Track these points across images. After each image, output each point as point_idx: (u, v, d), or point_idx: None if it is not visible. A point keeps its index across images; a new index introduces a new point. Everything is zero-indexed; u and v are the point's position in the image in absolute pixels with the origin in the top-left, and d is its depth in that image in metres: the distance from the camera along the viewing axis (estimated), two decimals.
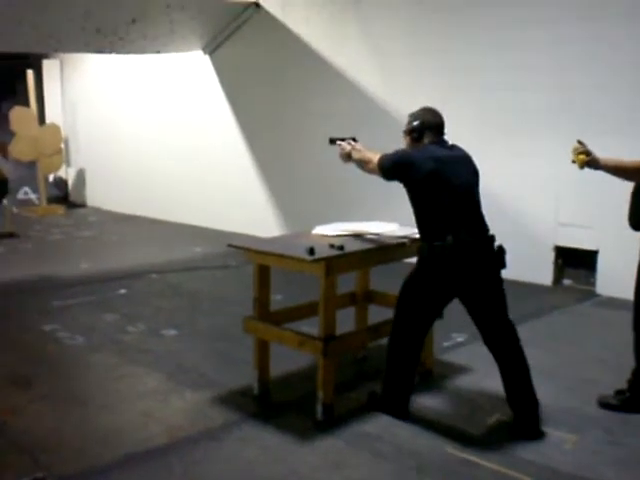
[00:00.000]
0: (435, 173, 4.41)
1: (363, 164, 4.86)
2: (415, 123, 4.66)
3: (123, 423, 4.79)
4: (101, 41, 10.85)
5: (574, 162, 4.57)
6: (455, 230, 4.41)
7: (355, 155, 4.91)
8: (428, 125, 4.63)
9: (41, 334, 6.70)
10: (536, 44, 8.16)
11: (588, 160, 4.53)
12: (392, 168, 4.61)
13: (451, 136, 9.18)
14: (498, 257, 4.55)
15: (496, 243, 4.57)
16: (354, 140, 5.02)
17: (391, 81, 9.71)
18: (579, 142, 4.59)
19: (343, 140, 5.02)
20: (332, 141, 5.10)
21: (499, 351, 4.58)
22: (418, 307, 4.60)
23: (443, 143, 4.65)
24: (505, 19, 8.46)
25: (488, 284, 4.53)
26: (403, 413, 4.72)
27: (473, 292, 4.53)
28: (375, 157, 4.72)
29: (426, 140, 4.63)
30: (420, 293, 4.57)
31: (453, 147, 4.68)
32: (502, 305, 4.58)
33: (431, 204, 4.48)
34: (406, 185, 4.59)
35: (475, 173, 4.67)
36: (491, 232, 4.59)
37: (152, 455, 4.32)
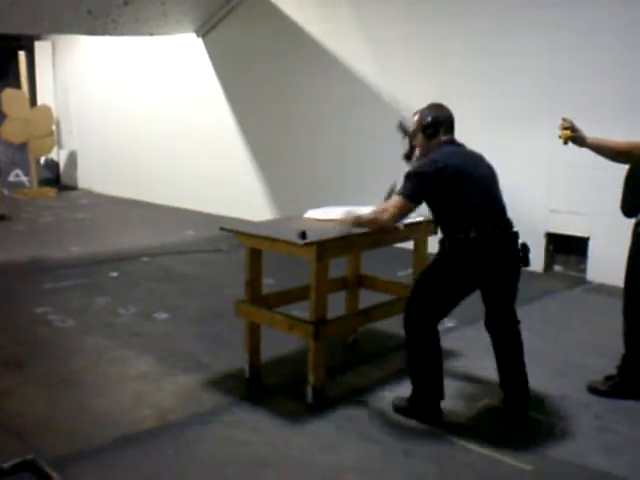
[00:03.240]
0: (456, 172, 4.31)
1: (375, 222, 4.55)
2: (429, 119, 4.49)
3: (114, 406, 4.80)
4: (93, 23, 10.78)
5: (560, 137, 4.57)
6: (479, 224, 4.31)
7: (363, 219, 4.60)
8: (442, 120, 4.52)
9: (32, 317, 6.69)
10: (532, 29, 8.14)
11: (572, 136, 4.54)
12: (415, 188, 4.39)
13: None
14: (522, 254, 4.48)
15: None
16: (390, 193, 4.65)
17: (385, 65, 9.69)
18: (563, 119, 4.59)
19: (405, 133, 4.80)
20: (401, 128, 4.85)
21: (498, 333, 4.56)
22: (438, 299, 4.47)
23: (455, 142, 4.57)
24: (500, 4, 8.45)
25: (508, 278, 4.50)
26: (436, 415, 4.55)
27: (493, 283, 4.49)
28: (389, 203, 4.46)
29: (441, 138, 4.51)
30: (440, 286, 4.45)
31: (463, 146, 4.61)
32: (513, 295, 4.56)
33: (455, 201, 4.35)
34: (431, 197, 4.41)
35: (491, 168, 4.58)
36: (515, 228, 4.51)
37: (143, 437, 4.33)
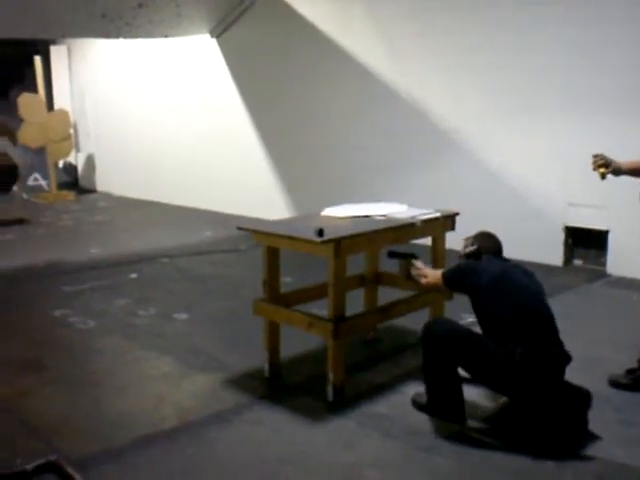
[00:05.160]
0: (500, 277, 4.33)
1: (421, 277, 4.75)
2: (472, 247, 4.61)
3: (135, 406, 4.83)
4: (107, 26, 10.81)
5: (595, 170, 4.58)
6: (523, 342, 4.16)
7: (413, 272, 4.81)
8: (485, 250, 4.58)
9: (52, 319, 6.74)
10: (542, 25, 8.12)
11: (609, 171, 4.54)
12: (457, 275, 4.54)
13: (460, 117, 9.18)
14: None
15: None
16: (414, 257, 4.88)
17: (398, 62, 9.66)
18: (595, 156, 4.59)
19: (404, 256, 4.90)
20: (392, 255, 4.98)
21: None
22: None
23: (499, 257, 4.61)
24: (510, 0, 8.43)
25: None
26: (458, 414, 4.47)
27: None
28: (436, 272, 4.67)
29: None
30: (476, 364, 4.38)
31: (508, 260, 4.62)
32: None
33: (500, 308, 4.29)
34: (473, 291, 4.42)
35: (541, 286, 4.50)
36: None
37: (164, 437, 4.35)
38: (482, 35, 8.68)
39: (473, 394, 4.70)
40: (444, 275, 4.56)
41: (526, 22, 8.28)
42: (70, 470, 3.63)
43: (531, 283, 4.45)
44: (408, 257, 4.86)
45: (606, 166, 4.54)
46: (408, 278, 4.88)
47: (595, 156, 4.60)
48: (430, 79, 9.34)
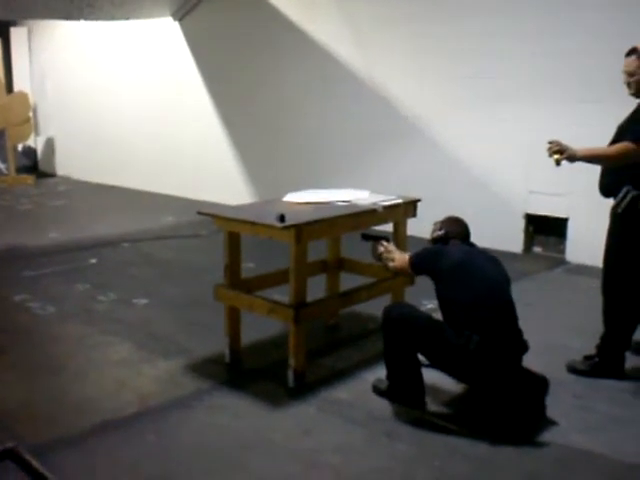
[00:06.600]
0: (462, 263, 4.35)
1: (389, 261, 4.76)
2: (440, 232, 4.61)
3: (95, 392, 4.80)
4: (68, 8, 10.66)
5: (550, 157, 4.61)
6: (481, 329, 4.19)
7: (384, 255, 4.80)
8: (452, 235, 4.57)
9: (11, 304, 6.66)
10: (514, 10, 8.14)
11: (563, 158, 4.57)
12: (421, 260, 4.54)
13: (423, 103, 9.19)
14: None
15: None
16: (386, 239, 4.90)
17: (363, 48, 9.65)
18: (550, 142, 4.62)
19: (376, 238, 4.90)
20: (365, 237, 4.98)
21: None
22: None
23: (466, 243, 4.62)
24: None
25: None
26: (418, 400, 4.54)
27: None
28: (404, 255, 4.66)
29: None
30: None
31: (475, 246, 4.64)
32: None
33: (459, 295, 4.31)
34: (435, 276, 4.44)
35: (505, 274, 4.53)
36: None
37: (125, 423, 4.33)
38: (447, 21, 8.69)
39: (434, 379, 4.73)
40: (411, 260, 4.58)
41: (490, 8, 8.30)
42: (28, 457, 3.59)
43: (494, 270, 4.47)
44: (380, 239, 4.87)
45: (561, 152, 4.58)
46: (379, 260, 4.89)
47: (550, 142, 4.63)
48: (393, 65, 9.34)
